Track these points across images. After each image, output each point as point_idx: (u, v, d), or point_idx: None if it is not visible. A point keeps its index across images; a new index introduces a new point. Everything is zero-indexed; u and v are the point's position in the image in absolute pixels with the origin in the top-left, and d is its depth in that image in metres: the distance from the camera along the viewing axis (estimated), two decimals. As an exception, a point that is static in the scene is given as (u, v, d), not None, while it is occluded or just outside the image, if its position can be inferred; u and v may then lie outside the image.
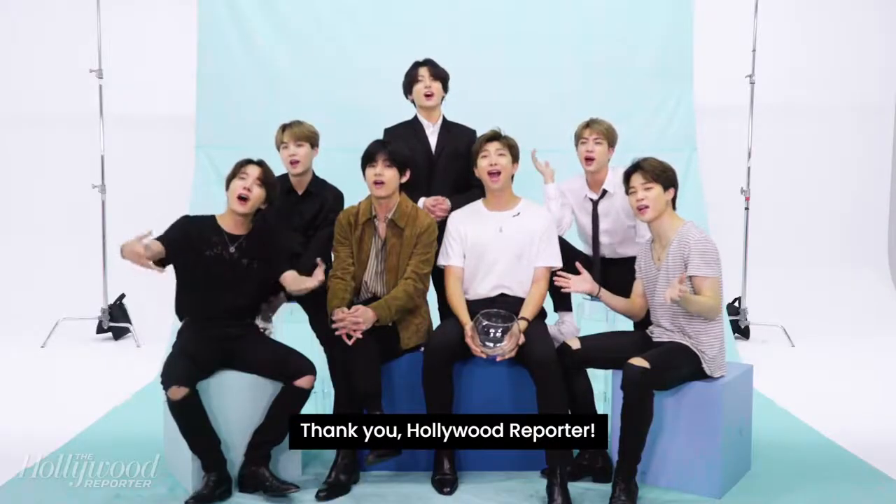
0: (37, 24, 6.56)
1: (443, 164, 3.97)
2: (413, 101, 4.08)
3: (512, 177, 3.63)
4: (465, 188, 3.94)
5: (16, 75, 6.60)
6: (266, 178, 3.38)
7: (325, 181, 3.91)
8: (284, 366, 3.27)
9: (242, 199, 3.32)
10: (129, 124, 6.31)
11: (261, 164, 3.42)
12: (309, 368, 3.27)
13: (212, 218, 3.40)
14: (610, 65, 6.04)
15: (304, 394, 3.26)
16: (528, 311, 3.48)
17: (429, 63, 4.04)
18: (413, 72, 4.03)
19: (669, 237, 3.27)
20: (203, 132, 5.93)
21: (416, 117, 4.07)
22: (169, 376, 3.11)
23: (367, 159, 3.48)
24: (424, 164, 3.95)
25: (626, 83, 6.03)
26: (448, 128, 4.05)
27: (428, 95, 3.98)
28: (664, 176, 3.27)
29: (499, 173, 3.54)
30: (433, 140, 4.01)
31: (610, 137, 3.89)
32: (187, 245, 3.30)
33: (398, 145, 3.57)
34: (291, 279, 3.40)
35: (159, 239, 3.26)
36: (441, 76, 4.04)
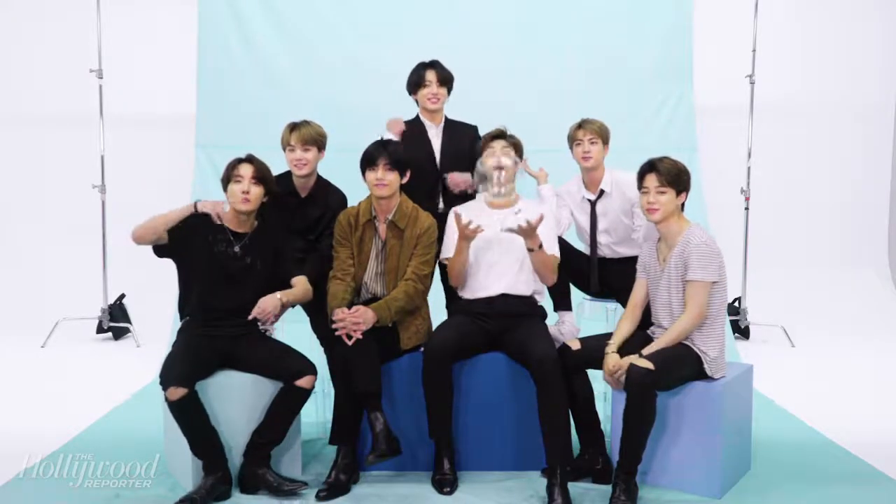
0: (37, 24, 6.56)
1: (447, 167, 3.94)
2: (416, 101, 4.07)
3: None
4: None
5: (16, 75, 6.60)
6: (260, 173, 3.37)
7: (330, 183, 3.85)
8: (285, 365, 3.27)
9: (244, 201, 3.34)
10: (129, 124, 6.31)
11: (251, 160, 3.40)
12: (309, 368, 3.27)
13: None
14: (610, 65, 6.04)
15: (305, 394, 3.26)
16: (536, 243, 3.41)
17: (436, 66, 4.01)
18: (420, 74, 4.00)
19: (676, 239, 3.27)
20: (203, 132, 5.94)
21: (418, 117, 4.07)
22: (167, 376, 3.11)
23: (368, 162, 3.47)
24: (428, 165, 3.94)
25: (626, 83, 6.04)
26: (450, 128, 4.04)
27: (433, 101, 3.98)
28: (679, 180, 3.24)
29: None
30: (436, 143, 4.00)
31: (604, 136, 3.88)
32: (195, 235, 3.31)
33: (397, 147, 3.55)
34: (302, 292, 3.40)
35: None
36: (447, 80, 4.02)
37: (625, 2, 6.08)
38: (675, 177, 3.24)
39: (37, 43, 6.55)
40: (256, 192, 3.36)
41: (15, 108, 6.58)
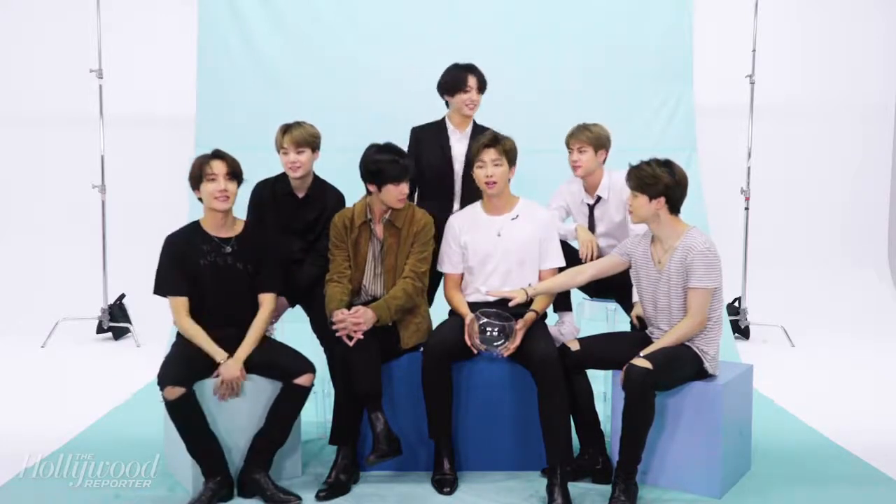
0: (37, 24, 6.56)
1: (467, 173, 3.80)
2: (447, 103, 3.99)
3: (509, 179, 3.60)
4: None
5: (16, 75, 6.59)
6: (232, 168, 3.31)
7: (327, 183, 3.83)
8: (283, 365, 3.26)
9: (222, 199, 3.28)
10: (129, 124, 6.30)
11: (221, 156, 3.32)
12: (308, 366, 3.27)
13: (195, 224, 3.37)
14: (610, 65, 6.05)
15: (305, 392, 3.26)
16: (539, 305, 3.48)
17: (476, 71, 3.90)
18: (461, 78, 3.87)
19: (672, 243, 3.26)
20: (203, 132, 5.93)
21: (444, 120, 4.01)
22: (165, 376, 3.10)
23: (391, 179, 3.38)
24: (447, 171, 3.93)
25: (626, 83, 6.04)
26: (476, 133, 3.88)
27: (471, 107, 3.91)
28: (651, 188, 3.22)
29: (495, 183, 3.51)
30: (459, 147, 3.93)
31: (596, 143, 3.83)
32: (183, 263, 3.28)
33: (408, 160, 3.47)
34: (262, 321, 3.33)
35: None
36: (485, 86, 3.94)
37: (625, 2, 6.08)
38: (646, 184, 3.23)
39: (37, 43, 6.54)
40: (233, 188, 3.30)
41: (15, 108, 6.57)
